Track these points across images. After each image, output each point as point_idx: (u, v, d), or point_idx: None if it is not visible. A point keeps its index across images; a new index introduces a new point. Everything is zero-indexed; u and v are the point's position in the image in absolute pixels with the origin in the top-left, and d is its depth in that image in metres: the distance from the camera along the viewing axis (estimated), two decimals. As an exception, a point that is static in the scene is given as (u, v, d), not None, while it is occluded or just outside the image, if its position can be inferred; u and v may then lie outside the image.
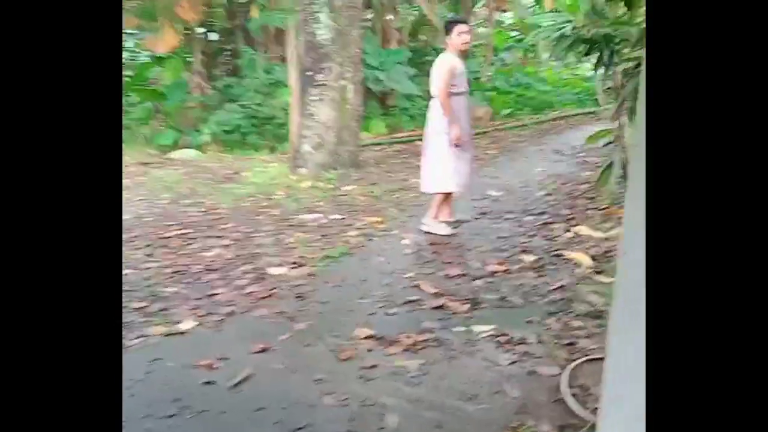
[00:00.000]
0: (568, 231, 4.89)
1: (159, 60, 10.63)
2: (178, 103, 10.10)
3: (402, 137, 9.80)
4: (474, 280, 3.88)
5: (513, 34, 20.38)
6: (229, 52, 12.32)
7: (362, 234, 4.91)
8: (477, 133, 8.27)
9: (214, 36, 13.09)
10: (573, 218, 5.30)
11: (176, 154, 8.85)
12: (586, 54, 4.76)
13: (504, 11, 18.49)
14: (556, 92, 15.67)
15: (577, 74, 18.52)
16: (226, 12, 12.29)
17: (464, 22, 4.90)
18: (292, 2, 8.48)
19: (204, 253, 4.42)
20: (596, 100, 16.07)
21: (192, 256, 4.36)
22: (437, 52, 15.16)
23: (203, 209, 5.71)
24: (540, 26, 6.08)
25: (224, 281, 3.86)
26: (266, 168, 7.28)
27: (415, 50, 14.03)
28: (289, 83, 8.75)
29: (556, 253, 4.38)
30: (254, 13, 8.74)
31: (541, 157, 8.30)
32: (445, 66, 4.78)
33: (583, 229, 4.87)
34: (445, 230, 4.90)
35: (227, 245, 4.60)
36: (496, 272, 4.02)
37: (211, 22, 13.03)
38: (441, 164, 4.87)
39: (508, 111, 13.29)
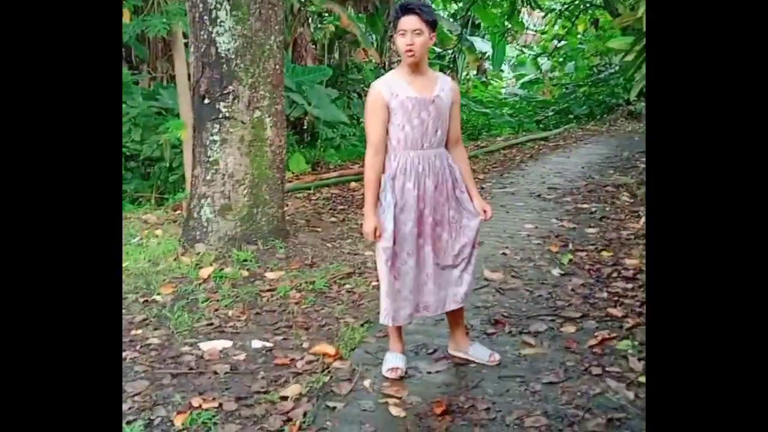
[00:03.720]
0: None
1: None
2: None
3: (331, 178, 7.68)
4: None
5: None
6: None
7: (308, 389, 2.77)
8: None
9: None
10: (636, 325, 3.38)
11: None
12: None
13: (426, 24, 16.75)
14: (491, 113, 14.03)
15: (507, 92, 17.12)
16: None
17: (410, 10, 2.65)
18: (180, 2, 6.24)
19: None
20: (537, 122, 14.63)
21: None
22: (358, 69, 13.30)
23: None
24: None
25: None
26: (147, 239, 4.96)
27: (334, 68, 12.00)
28: (180, 113, 6.49)
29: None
30: (126, 16, 6.39)
31: (520, 204, 6.41)
32: (370, 100, 2.78)
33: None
34: (389, 370, 2.90)
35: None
36: None
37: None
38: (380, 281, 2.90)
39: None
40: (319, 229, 5.34)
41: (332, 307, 3.75)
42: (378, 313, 2.95)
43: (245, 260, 4.41)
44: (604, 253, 4.71)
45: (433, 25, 2.71)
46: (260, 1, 4.62)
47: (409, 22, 2.65)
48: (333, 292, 3.99)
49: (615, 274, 4.26)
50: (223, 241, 4.60)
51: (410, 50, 2.67)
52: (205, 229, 4.62)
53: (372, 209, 2.77)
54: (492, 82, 22.09)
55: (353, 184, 7.38)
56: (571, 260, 4.55)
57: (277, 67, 4.82)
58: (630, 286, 4.03)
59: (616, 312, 3.61)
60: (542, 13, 14.92)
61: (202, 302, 3.78)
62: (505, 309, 3.70)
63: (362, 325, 3.44)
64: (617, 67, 14.02)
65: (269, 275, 4.22)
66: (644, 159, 8.34)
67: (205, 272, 4.22)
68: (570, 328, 3.42)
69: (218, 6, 4.54)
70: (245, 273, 4.24)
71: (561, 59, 16.74)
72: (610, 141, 10.43)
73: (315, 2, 11.69)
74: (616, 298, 3.83)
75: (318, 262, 4.51)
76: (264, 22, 4.67)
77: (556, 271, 4.34)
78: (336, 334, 3.36)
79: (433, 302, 2.90)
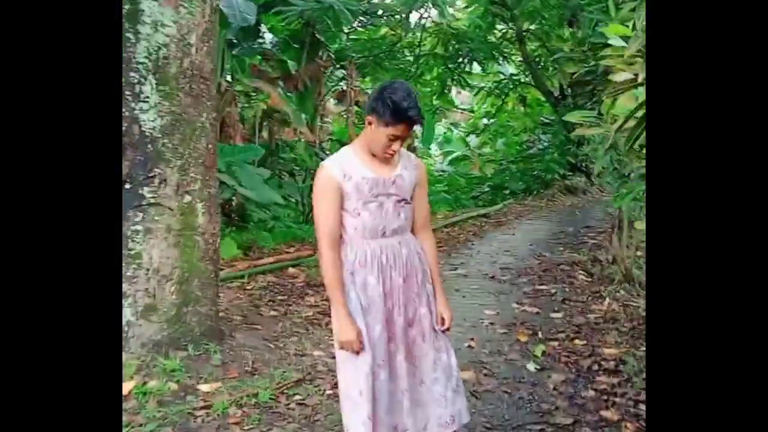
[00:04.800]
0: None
1: None
2: None
3: (266, 264, 7.09)
4: None
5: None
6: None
7: None
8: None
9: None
10: (637, 431, 2.93)
11: None
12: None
13: (357, 103, 16.75)
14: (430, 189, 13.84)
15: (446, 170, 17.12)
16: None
17: (414, 121, 2.27)
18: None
19: None
20: (474, 198, 14.53)
21: None
22: (291, 148, 12.90)
23: None
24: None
25: None
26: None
27: (265, 147, 11.59)
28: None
29: None
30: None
31: (475, 287, 5.99)
32: (319, 184, 2.34)
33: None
34: None
35: None
36: None
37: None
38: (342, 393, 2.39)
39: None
40: (259, 327, 4.70)
41: (281, 426, 3.14)
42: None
43: (174, 370, 3.73)
44: (577, 342, 4.31)
45: None
46: (191, 75, 4.15)
47: (406, 129, 2.27)
48: (281, 405, 3.38)
49: (596, 367, 3.85)
50: (146, 348, 3.91)
51: (392, 154, 2.32)
52: (125, 334, 3.93)
53: (346, 311, 2.27)
54: (422, 159, 22.23)
55: (291, 270, 6.82)
56: (544, 352, 4.11)
57: (210, 146, 4.31)
58: (616, 380, 3.61)
59: (611, 415, 3.17)
60: (471, 92, 15.11)
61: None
62: (486, 418, 3.19)
63: (321, 452, 2.84)
64: (547, 143, 14.22)
65: (203, 387, 3.56)
66: (591, 234, 8.18)
67: (125, 387, 3.52)
68: (564, 440, 2.94)
69: (142, 80, 4.03)
70: (174, 386, 3.57)
71: (491, 136, 16.94)
72: (551, 216, 10.31)
73: (243, 81, 11.36)
74: (605, 397, 3.40)
75: (260, 368, 3.89)
76: (195, 97, 4.19)
77: (531, 366, 3.89)
78: (289, 466, 2.75)
79: (412, 425, 2.37)
